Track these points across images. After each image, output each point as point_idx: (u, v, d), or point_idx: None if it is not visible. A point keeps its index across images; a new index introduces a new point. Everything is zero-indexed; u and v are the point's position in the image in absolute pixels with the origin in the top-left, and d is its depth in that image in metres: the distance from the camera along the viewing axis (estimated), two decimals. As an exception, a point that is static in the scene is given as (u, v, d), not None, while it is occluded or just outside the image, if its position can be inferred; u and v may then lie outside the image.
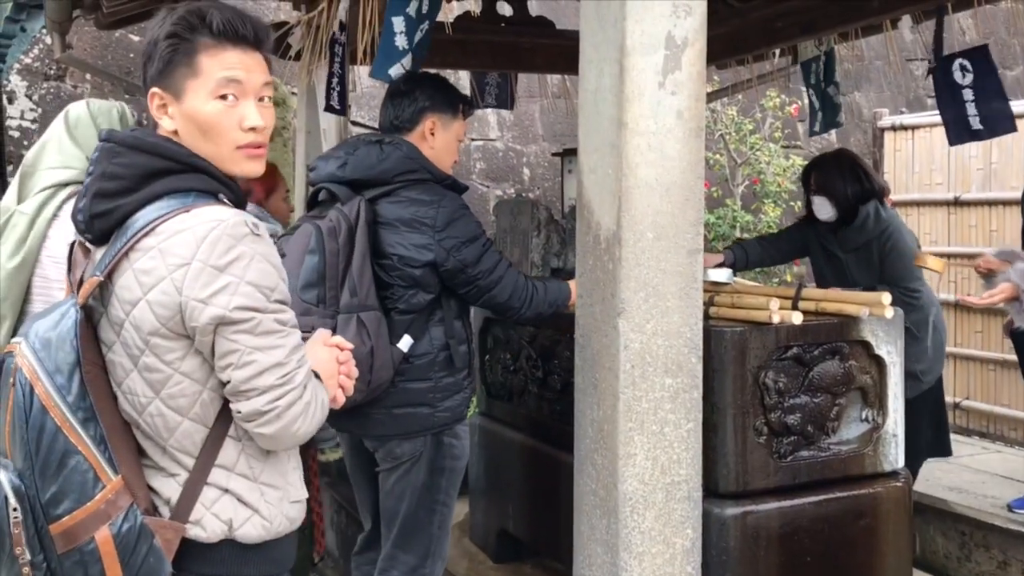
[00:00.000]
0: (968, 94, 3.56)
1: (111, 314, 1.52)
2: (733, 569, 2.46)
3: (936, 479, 4.86)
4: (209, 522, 1.53)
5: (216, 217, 1.49)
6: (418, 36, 3.24)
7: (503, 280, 2.55)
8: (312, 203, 2.63)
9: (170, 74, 1.54)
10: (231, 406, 1.52)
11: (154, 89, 1.55)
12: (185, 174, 1.54)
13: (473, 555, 3.70)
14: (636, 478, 2.05)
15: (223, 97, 1.55)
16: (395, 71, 3.17)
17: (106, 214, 1.53)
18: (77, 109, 2.61)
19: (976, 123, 3.56)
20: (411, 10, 3.17)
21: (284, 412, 1.50)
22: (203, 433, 1.53)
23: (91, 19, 4.74)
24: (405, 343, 2.47)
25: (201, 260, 1.45)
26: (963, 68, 3.55)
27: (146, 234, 1.48)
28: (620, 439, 2.04)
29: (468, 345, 2.64)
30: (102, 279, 1.51)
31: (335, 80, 3.88)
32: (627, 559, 2.06)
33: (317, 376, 1.64)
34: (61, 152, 2.48)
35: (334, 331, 2.29)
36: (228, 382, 1.49)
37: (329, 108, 3.94)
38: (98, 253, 1.57)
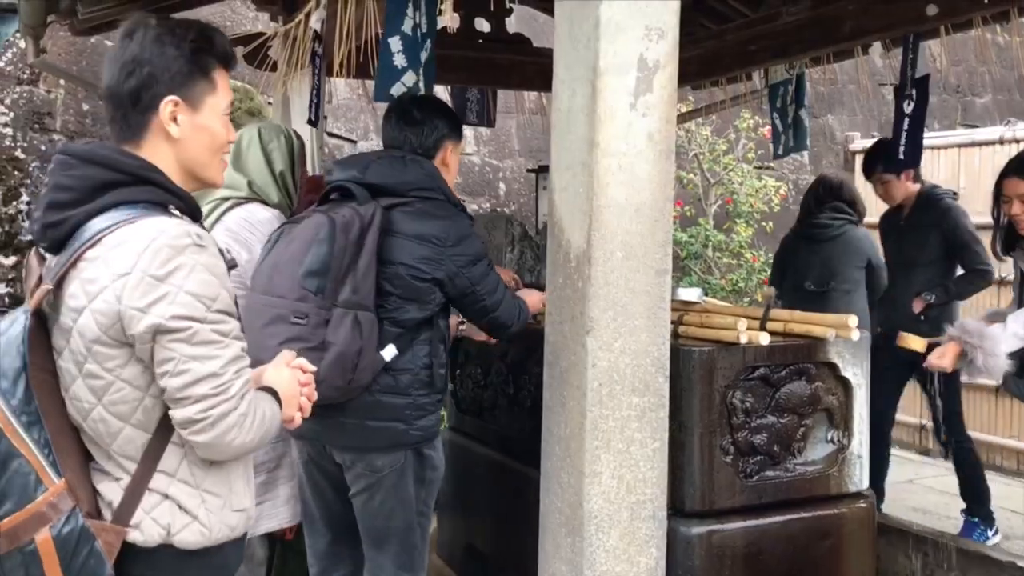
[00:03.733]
0: (906, 123, 3.68)
1: (61, 322, 1.57)
2: (697, 588, 2.47)
3: (901, 500, 4.92)
4: (147, 526, 1.57)
5: (158, 228, 1.53)
6: (423, 55, 3.25)
7: (504, 300, 2.60)
8: (322, 202, 2.63)
9: (191, 87, 1.64)
10: (169, 412, 1.56)
11: (174, 98, 1.62)
12: (136, 186, 1.58)
13: (439, 569, 3.69)
14: (601, 496, 2.06)
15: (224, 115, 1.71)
16: (396, 90, 3.18)
17: (57, 224, 1.57)
18: (250, 133, 2.91)
19: (902, 152, 3.69)
20: (407, 28, 3.18)
21: (217, 422, 1.53)
22: (144, 439, 1.57)
23: (66, 24, 4.72)
24: (389, 352, 2.46)
25: (141, 270, 1.50)
26: (910, 97, 3.66)
27: (92, 245, 1.54)
28: (586, 457, 2.05)
29: (445, 369, 2.66)
30: (51, 287, 1.55)
31: (314, 92, 3.88)
32: (591, 577, 2.06)
33: (275, 395, 1.68)
34: (228, 174, 2.72)
35: (328, 323, 2.32)
36: (165, 389, 1.53)
37: (309, 121, 3.94)
38: (52, 261, 1.62)
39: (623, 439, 2.07)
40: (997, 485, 4.92)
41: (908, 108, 3.68)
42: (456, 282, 2.50)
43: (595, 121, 2.01)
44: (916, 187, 4.36)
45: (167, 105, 1.62)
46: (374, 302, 2.43)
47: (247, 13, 6.97)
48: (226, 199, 2.82)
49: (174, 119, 1.63)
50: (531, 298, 2.76)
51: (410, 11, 3.19)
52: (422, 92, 3.21)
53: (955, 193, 4.56)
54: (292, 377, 1.74)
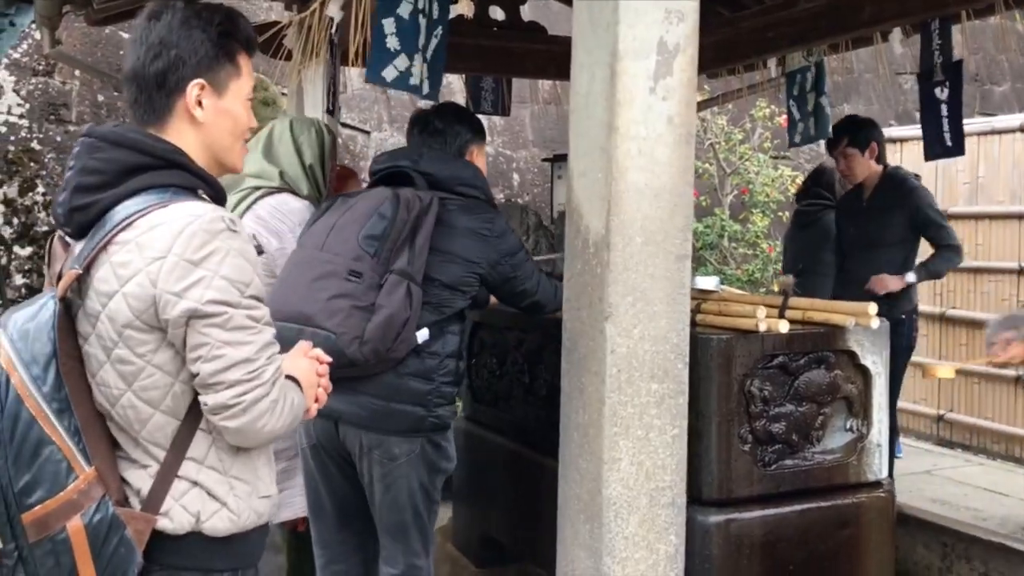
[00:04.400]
0: (944, 110, 3.64)
1: (88, 307, 1.55)
2: (716, 576, 2.45)
3: (919, 490, 4.88)
4: (177, 514, 1.56)
5: (193, 212, 1.52)
6: (422, 41, 3.24)
7: (541, 284, 2.73)
8: (372, 187, 2.71)
9: (217, 71, 1.64)
10: (200, 398, 1.54)
11: (200, 81, 1.62)
12: (165, 170, 1.57)
13: (455, 560, 3.69)
14: (620, 483, 2.05)
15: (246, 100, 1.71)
16: (388, 72, 3.17)
17: (85, 208, 1.55)
18: (282, 126, 2.94)
19: (948, 140, 3.66)
20: (403, 11, 3.17)
21: (250, 407, 1.52)
22: (174, 425, 1.56)
23: (81, 15, 4.73)
24: (422, 335, 2.51)
25: (176, 254, 1.49)
26: (942, 84, 3.63)
27: (123, 228, 1.52)
28: (605, 444, 2.04)
29: (463, 363, 2.72)
30: (80, 272, 1.53)
31: (331, 81, 3.88)
32: (610, 564, 2.05)
33: (296, 382, 1.67)
34: (259, 164, 2.85)
35: (380, 287, 2.38)
36: (197, 374, 1.52)
37: (327, 110, 3.94)
38: (77, 247, 1.60)
39: (642, 426, 2.06)
40: (1018, 476, 4.89)
41: (943, 95, 3.64)
42: (498, 270, 2.62)
43: (614, 105, 2.00)
44: (878, 168, 4.35)
45: (194, 88, 1.61)
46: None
47: (261, 3, 6.98)
48: (257, 188, 2.86)
49: (199, 103, 1.62)
50: None
51: None
52: (415, 78, 3.23)
53: (917, 175, 4.57)
54: (310, 367, 1.73)
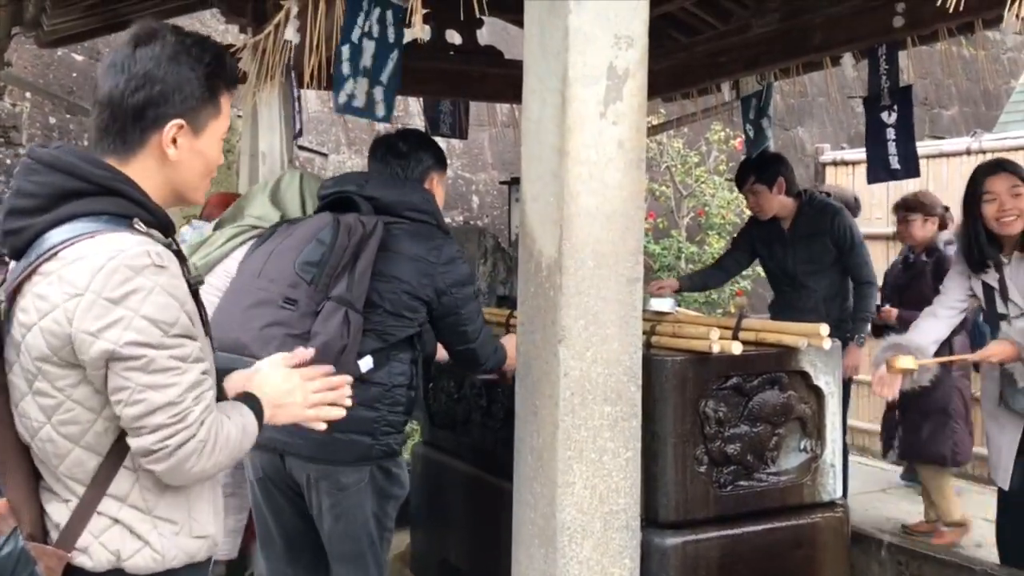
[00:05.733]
0: (891, 133, 3.71)
1: (12, 334, 1.50)
2: (672, 599, 2.45)
3: (875, 508, 4.94)
4: (96, 551, 1.50)
5: (117, 247, 1.45)
6: (389, 65, 3.29)
7: (484, 333, 2.64)
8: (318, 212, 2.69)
9: (199, 111, 1.59)
10: (127, 439, 1.49)
11: (179, 121, 1.56)
12: (99, 197, 1.51)
13: (414, 586, 3.65)
14: (574, 507, 2.04)
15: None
16: (342, 99, 3.21)
17: (18, 232, 1.51)
18: (291, 176, 3.13)
19: (895, 163, 3.72)
20: (355, 36, 3.21)
21: (175, 451, 1.46)
22: (96, 461, 1.51)
23: (31, 37, 4.67)
24: (365, 363, 2.46)
25: (95, 291, 1.42)
26: (889, 108, 3.70)
27: (48, 258, 1.46)
28: (559, 467, 2.03)
29: (417, 392, 2.67)
30: (1, 300, 1.49)
31: (293, 104, 3.89)
32: (565, 589, 2.04)
33: (255, 402, 1.62)
34: (263, 208, 3.04)
35: (316, 315, 2.33)
36: (120, 417, 1.46)
37: (296, 134, 3.95)
38: (13, 267, 1.55)
39: (596, 449, 2.05)
40: (971, 493, 4.95)
41: (890, 119, 3.71)
42: (443, 300, 2.55)
43: (565, 130, 2.00)
44: (790, 200, 4.33)
45: (172, 128, 1.56)
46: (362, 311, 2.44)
47: (217, 26, 6.93)
48: (255, 227, 2.95)
49: (174, 141, 1.57)
50: (510, 343, 2.70)
51: (360, 20, 3.22)
52: (358, 100, 3.25)
53: (827, 193, 4.59)
54: (285, 380, 1.69)
